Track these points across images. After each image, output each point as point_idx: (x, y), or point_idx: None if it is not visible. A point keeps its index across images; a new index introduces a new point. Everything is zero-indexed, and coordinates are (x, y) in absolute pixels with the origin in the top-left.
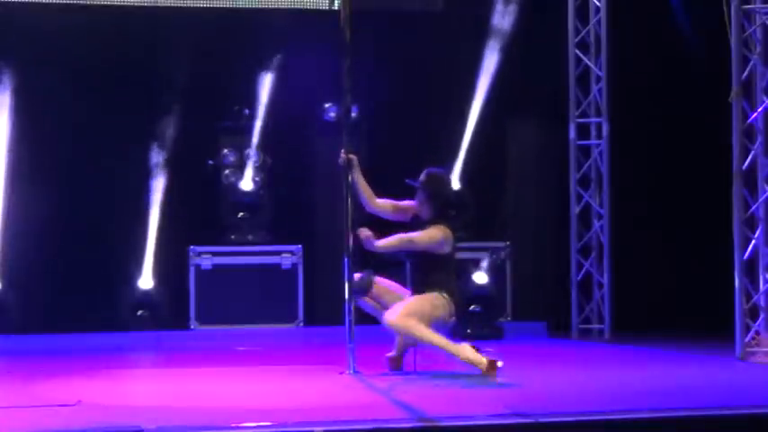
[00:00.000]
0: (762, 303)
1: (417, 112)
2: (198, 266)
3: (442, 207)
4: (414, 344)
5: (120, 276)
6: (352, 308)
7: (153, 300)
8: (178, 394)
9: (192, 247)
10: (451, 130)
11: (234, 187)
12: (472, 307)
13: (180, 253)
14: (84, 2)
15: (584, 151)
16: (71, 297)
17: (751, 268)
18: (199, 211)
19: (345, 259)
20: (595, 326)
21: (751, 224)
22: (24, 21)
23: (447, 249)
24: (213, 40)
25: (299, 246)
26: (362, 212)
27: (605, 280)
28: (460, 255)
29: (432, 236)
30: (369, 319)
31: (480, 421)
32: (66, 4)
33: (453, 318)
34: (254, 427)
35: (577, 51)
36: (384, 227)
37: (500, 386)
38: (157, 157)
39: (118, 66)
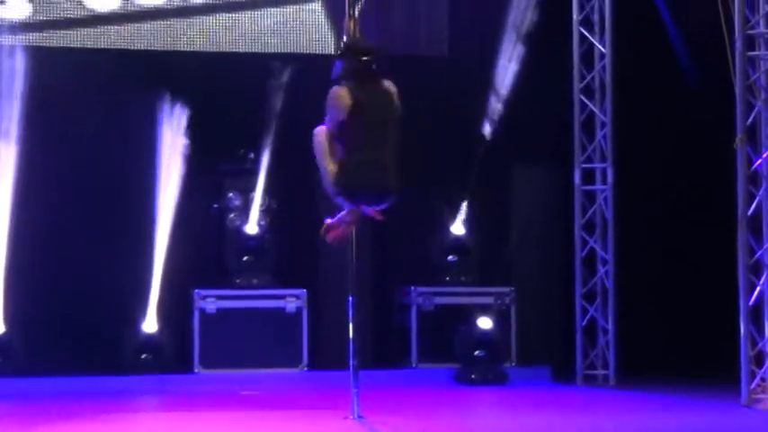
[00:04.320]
0: (767, 350)
1: (422, 157)
2: (202, 310)
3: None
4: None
5: (123, 319)
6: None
7: (157, 343)
8: None
9: (196, 290)
10: (456, 174)
11: (239, 231)
12: (476, 352)
13: (184, 296)
14: (91, 45)
15: (589, 196)
16: (74, 340)
17: (756, 314)
18: (204, 254)
19: (350, 298)
20: (600, 372)
21: (756, 270)
22: (30, 62)
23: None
24: (219, 84)
25: (304, 290)
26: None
27: (610, 326)
28: (465, 299)
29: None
30: (374, 364)
31: None
32: (75, 47)
33: None
34: None
35: (582, 97)
36: None
37: None
38: (163, 199)
39: (123, 108)
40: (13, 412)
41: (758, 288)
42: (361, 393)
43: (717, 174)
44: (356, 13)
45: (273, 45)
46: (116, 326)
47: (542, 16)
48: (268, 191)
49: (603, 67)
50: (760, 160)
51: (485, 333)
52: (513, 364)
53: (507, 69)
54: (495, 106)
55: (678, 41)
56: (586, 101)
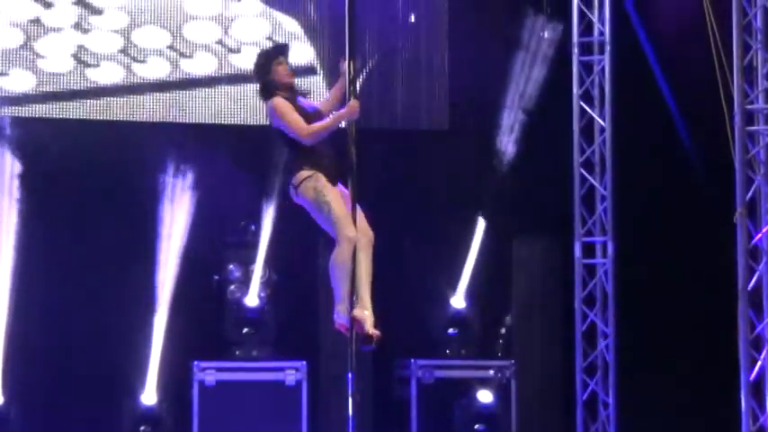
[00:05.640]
0: None
1: (422, 230)
2: (202, 382)
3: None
4: None
5: (122, 391)
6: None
7: (156, 415)
8: None
9: (196, 362)
10: (456, 247)
11: (239, 303)
12: (477, 425)
13: (184, 368)
14: (94, 117)
15: (590, 270)
16: (73, 411)
17: (757, 389)
18: (203, 326)
19: (349, 374)
20: None
21: (757, 345)
22: (30, 133)
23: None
24: (220, 156)
25: (304, 362)
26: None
27: (611, 399)
28: (465, 373)
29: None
30: None
31: None
32: (77, 118)
33: None
34: None
35: (582, 170)
36: None
37: None
38: (163, 271)
39: (122, 179)
40: None
41: (759, 363)
42: None
43: (717, 248)
44: (357, 87)
45: None
46: (115, 397)
47: (543, 90)
48: (268, 263)
49: (603, 141)
50: (760, 234)
51: (485, 406)
52: None
53: (508, 143)
54: (496, 179)
55: (678, 116)
56: (586, 174)
